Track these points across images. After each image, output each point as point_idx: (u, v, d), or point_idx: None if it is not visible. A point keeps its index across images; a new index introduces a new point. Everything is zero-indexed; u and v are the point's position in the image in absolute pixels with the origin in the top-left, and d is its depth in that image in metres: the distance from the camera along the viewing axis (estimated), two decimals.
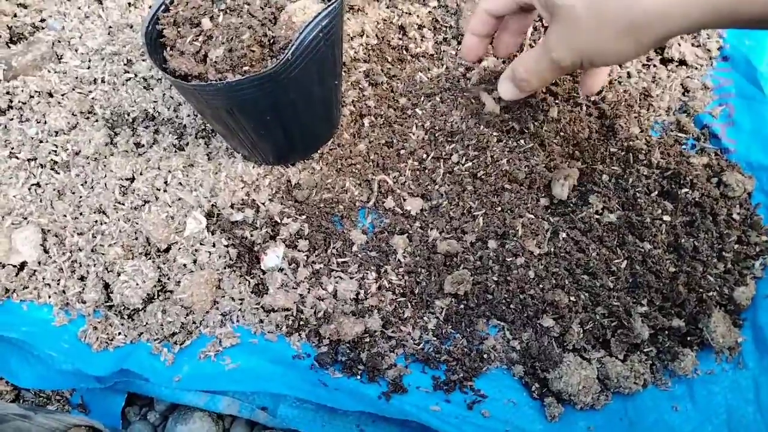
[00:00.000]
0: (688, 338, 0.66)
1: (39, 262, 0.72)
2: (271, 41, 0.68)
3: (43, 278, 0.71)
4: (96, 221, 0.74)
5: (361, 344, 0.65)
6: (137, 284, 0.68)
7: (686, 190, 0.70)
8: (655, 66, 0.83)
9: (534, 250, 0.68)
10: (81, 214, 0.75)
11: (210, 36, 0.67)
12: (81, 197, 0.76)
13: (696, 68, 0.83)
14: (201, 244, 0.72)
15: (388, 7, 0.92)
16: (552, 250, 0.69)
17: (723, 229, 0.69)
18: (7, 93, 0.82)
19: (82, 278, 0.71)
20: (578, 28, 0.44)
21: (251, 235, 0.73)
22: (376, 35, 0.89)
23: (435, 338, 0.66)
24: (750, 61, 0.80)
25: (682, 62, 0.83)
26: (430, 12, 0.89)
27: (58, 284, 0.70)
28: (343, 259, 0.72)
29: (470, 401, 0.64)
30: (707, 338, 0.65)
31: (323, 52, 0.67)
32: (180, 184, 0.76)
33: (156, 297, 0.69)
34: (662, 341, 0.65)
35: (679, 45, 0.82)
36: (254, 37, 0.67)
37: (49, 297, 0.70)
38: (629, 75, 0.81)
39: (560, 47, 0.47)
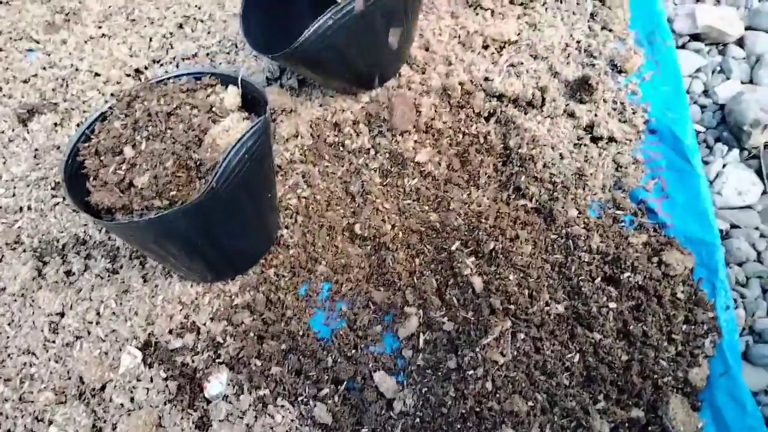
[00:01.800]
0: (649, 428, 0.64)
1: None
2: (198, 163, 0.67)
3: None
4: (24, 363, 0.70)
5: None
6: None
7: (629, 274, 0.70)
8: (586, 145, 0.84)
9: (498, 360, 0.66)
10: (9, 356, 0.70)
11: (133, 164, 0.65)
12: (8, 338, 0.71)
13: (626, 143, 0.84)
14: (138, 380, 0.67)
15: (321, 105, 0.92)
16: (514, 354, 0.67)
17: (669, 310, 0.69)
18: None
19: None
20: None
21: (192, 361, 0.69)
22: (311, 134, 0.89)
23: None
24: (675, 133, 0.82)
25: (612, 139, 0.84)
26: (363, 107, 0.90)
27: None
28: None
29: None
30: (668, 426, 0.63)
31: (251, 171, 0.65)
32: (114, 314, 0.72)
33: None
34: None
35: (607, 122, 0.84)
36: (179, 162, 0.65)
37: None
38: (562, 156, 0.82)
39: None
